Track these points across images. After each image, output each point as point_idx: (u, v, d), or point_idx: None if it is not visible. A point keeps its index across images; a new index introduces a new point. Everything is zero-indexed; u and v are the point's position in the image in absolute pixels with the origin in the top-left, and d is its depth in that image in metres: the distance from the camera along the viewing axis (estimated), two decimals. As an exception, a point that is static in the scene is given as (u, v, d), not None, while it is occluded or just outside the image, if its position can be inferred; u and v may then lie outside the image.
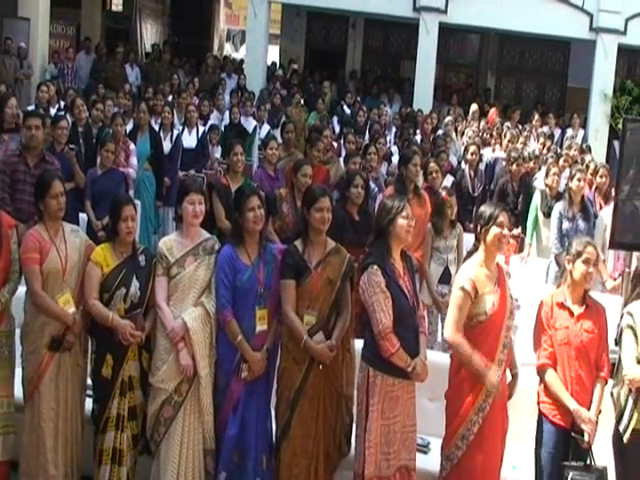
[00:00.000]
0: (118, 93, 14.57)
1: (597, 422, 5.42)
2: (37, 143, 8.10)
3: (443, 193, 8.38)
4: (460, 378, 5.47)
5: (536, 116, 17.31)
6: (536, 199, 10.05)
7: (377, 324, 5.32)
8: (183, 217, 5.80)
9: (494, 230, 5.46)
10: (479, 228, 5.54)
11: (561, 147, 15.28)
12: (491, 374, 5.36)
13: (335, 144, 12.83)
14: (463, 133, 15.54)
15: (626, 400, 5.49)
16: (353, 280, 5.77)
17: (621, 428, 5.48)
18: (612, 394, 5.60)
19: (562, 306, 5.57)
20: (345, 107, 17.30)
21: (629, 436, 5.43)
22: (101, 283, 5.69)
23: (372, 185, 9.47)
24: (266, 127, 14.99)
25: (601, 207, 9.94)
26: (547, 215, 9.76)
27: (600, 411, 5.49)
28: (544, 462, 5.53)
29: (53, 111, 12.62)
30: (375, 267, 5.40)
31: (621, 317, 5.65)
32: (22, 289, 5.86)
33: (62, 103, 13.54)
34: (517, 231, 10.32)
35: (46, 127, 9.90)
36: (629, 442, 5.44)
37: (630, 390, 5.46)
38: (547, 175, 10.12)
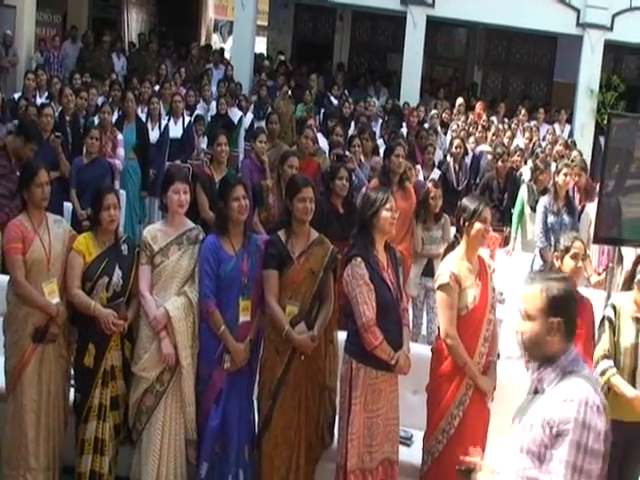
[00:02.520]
0: (104, 82, 14.50)
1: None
2: None
3: (429, 185, 8.42)
4: (441, 372, 5.48)
5: (522, 110, 17.35)
6: (522, 193, 10.08)
7: (360, 317, 5.32)
8: (168, 206, 5.79)
9: (477, 226, 5.46)
10: (462, 222, 5.55)
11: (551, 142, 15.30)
12: (484, 380, 5.39)
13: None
14: (448, 126, 15.56)
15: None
16: (336, 272, 5.77)
17: None
18: None
19: (551, 302, 5.57)
20: (332, 99, 17.28)
21: None
22: (83, 272, 5.67)
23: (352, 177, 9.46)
24: (249, 117, 14.96)
25: (580, 202, 10.01)
26: (534, 209, 9.81)
27: None
28: None
29: (40, 100, 12.54)
30: (359, 259, 5.40)
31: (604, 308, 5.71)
32: (5, 278, 5.83)
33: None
34: (505, 229, 10.39)
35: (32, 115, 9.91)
36: None
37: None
38: (558, 174, 9.90)
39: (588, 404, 3.29)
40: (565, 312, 3.47)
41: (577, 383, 3.37)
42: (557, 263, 5.62)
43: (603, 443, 3.31)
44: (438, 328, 5.64)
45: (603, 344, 5.55)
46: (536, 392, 3.53)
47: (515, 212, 10.17)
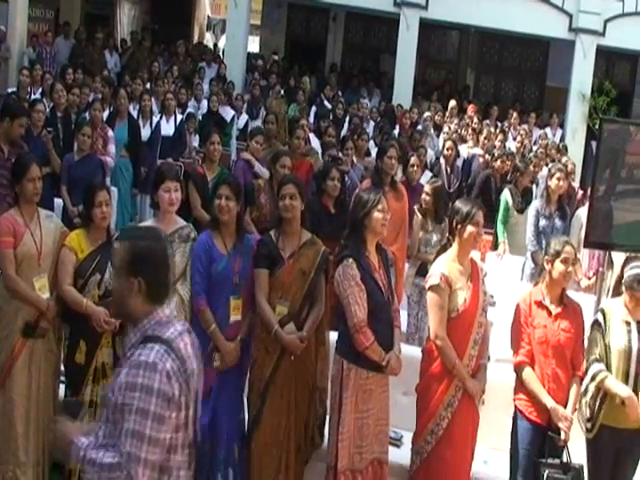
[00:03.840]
0: (96, 78, 14.47)
1: (573, 420, 5.47)
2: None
3: (427, 185, 8.43)
4: (430, 373, 5.49)
5: (514, 114, 17.38)
6: (506, 195, 10.11)
7: (352, 317, 5.32)
8: (159, 204, 5.78)
9: (469, 229, 5.47)
10: (454, 224, 5.55)
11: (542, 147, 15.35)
12: (473, 383, 5.40)
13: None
14: (441, 129, 15.58)
15: (595, 396, 5.55)
16: (328, 272, 5.76)
17: (589, 424, 5.59)
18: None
19: (540, 305, 5.59)
20: (325, 100, 17.28)
21: (596, 430, 5.54)
22: (75, 269, 5.65)
23: (345, 177, 9.46)
24: (244, 117, 14.95)
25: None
26: (520, 211, 9.84)
27: (576, 409, 5.54)
28: (519, 459, 5.56)
29: (35, 96, 12.50)
30: (350, 260, 5.39)
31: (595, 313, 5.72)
32: (-5, 273, 5.82)
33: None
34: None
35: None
36: (596, 435, 5.54)
37: (598, 388, 5.53)
38: (551, 177, 9.82)
39: (157, 369, 3.19)
40: (148, 272, 3.33)
41: (151, 348, 3.24)
42: (547, 267, 5.62)
43: (172, 409, 3.22)
44: (428, 329, 5.66)
45: (594, 348, 5.56)
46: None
47: (499, 215, 10.19)
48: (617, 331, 5.51)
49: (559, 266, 5.56)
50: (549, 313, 5.57)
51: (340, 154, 10.28)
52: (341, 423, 5.39)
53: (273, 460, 5.62)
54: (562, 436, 5.38)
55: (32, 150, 8.24)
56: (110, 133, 10.60)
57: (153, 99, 12.75)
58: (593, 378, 5.50)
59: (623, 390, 5.43)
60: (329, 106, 16.55)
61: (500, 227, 10.14)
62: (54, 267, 5.73)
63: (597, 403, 5.54)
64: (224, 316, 5.64)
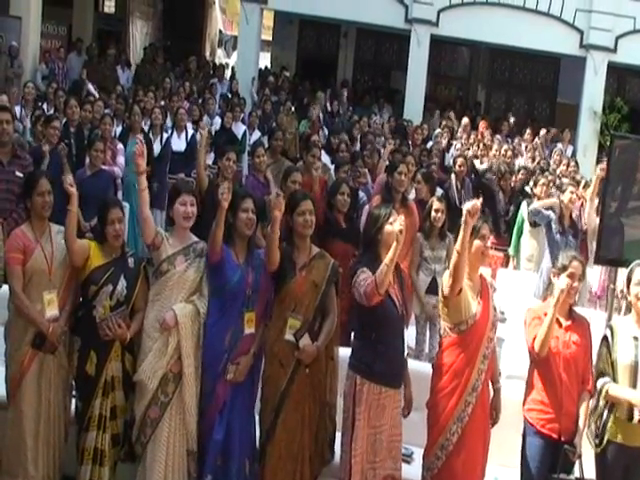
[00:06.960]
0: (110, 94, 14.53)
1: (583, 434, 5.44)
2: (8, 138, 7.96)
3: (433, 198, 8.36)
4: (440, 388, 5.47)
5: (528, 130, 17.37)
6: (522, 209, 10.11)
7: (364, 285, 5.25)
8: (174, 219, 5.78)
9: (476, 243, 5.47)
10: None
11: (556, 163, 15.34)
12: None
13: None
14: (451, 145, 15.59)
15: (602, 412, 5.52)
16: (338, 286, 5.77)
17: (597, 440, 5.52)
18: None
19: (550, 317, 5.57)
20: (333, 116, 17.36)
21: (603, 446, 5.47)
22: (88, 276, 5.66)
23: (361, 194, 9.46)
24: (257, 133, 14.99)
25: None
26: (533, 225, 9.83)
27: (587, 424, 5.50)
28: (530, 476, 5.52)
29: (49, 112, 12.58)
30: (364, 269, 5.38)
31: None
32: (7, 287, 5.83)
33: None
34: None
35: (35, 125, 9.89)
36: (603, 451, 5.47)
37: (606, 402, 5.48)
38: (563, 192, 9.73)
39: None
40: None
41: None
42: (554, 280, 5.62)
43: None
44: (440, 344, 5.65)
45: (599, 364, 5.51)
46: None
47: (515, 230, 10.20)
48: (625, 346, 5.47)
49: (564, 280, 5.55)
50: (559, 324, 5.55)
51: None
52: (354, 439, 5.38)
53: (288, 474, 5.60)
54: (577, 449, 5.34)
55: (48, 164, 8.31)
56: (120, 146, 10.65)
57: (168, 114, 12.78)
58: (600, 392, 5.46)
59: (630, 393, 5.33)
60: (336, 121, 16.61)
61: (514, 241, 10.16)
62: (64, 282, 5.74)
63: (604, 418, 5.50)
64: (238, 329, 5.64)
